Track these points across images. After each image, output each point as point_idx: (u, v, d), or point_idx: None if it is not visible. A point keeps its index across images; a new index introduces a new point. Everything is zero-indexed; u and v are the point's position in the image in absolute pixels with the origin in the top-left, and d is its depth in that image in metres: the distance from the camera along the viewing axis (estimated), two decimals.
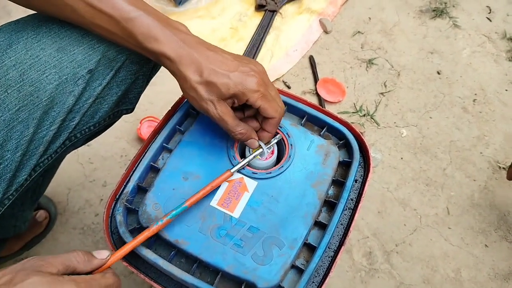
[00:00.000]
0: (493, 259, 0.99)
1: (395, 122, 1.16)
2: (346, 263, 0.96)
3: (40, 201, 0.98)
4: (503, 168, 1.10)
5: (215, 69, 0.51)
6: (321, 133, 0.66)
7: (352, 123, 1.15)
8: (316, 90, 1.19)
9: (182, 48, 0.51)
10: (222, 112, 0.53)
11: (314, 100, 1.18)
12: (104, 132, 1.08)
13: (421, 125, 1.16)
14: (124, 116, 1.09)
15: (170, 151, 0.63)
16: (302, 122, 0.66)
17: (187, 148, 0.62)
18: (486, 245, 1.01)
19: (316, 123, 0.67)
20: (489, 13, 1.39)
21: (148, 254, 0.54)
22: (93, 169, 1.05)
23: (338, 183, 0.62)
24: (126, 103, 0.66)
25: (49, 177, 0.80)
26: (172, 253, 0.56)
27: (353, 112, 1.17)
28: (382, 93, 1.21)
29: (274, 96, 0.55)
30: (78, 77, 0.55)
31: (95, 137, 0.68)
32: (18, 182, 0.54)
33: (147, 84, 0.67)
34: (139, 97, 0.68)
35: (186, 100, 0.67)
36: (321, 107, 0.67)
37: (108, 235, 0.59)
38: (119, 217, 0.57)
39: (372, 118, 1.16)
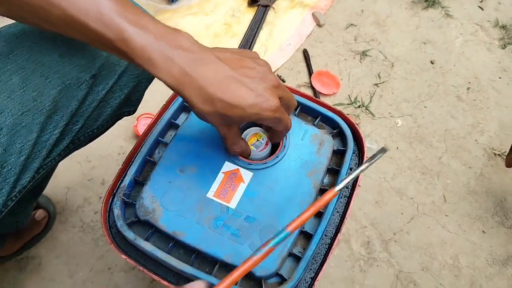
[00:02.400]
0: (490, 245, 1.00)
1: (390, 113, 1.17)
2: (345, 252, 0.97)
3: (38, 200, 0.99)
4: (498, 155, 1.11)
5: (229, 101, 0.45)
6: (315, 122, 0.66)
7: (347, 114, 1.16)
8: (310, 83, 1.20)
9: (183, 75, 0.45)
10: (229, 133, 0.52)
11: (309, 93, 1.19)
12: None
13: (416, 114, 1.17)
14: None
15: (165, 144, 0.64)
16: (296, 113, 0.67)
17: (183, 141, 0.62)
18: (483, 231, 1.02)
19: (310, 113, 0.68)
20: (481, 1, 1.40)
21: (147, 246, 0.55)
22: (91, 168, 1.05)
23: (333, 171, 0.63)
24: (129, 105, 0.66)
25: (50, 175, 0.80)
26: (170, 244, 0.57)
27: (348, 104, 1.18)
28: (376, 84, 1.21)
29: (286, 112, 0.51)
30: (81, 81, 0.55)
31: (97, 137, 0.69)
32: (21, 184, 0.54)
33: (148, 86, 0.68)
34: (141, 99, 0.68)
35: None
36: (314, 97, 0.68)
37: (106, 229, 0.59)
38: (117, 211, 0.57)
39: (367, 109, 1.17)
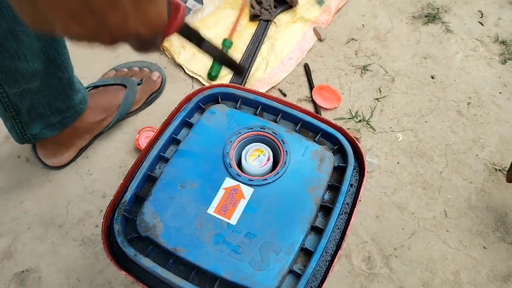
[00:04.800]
0: (491, 261, 0.99)
1: (390, 127, 1.17)
2: (346, 268, 0.97)
3: (150, 67, 1.21)
4: (499, 170, 1.11)
5: None
6: (316, 139, 0.66)
7: (348, 129, 1.16)
8: (311, 97, 1.20)
9: None
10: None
11: (310, 107, 1.19)
12: (103, 144, 1.09)
13: (416, 129, 1.17)
14: (122, 128, 1.11)
15: (166, 160, 0.64)
16: (297, 129, 0.67)
17: (183, 157, 0.63)
18: (484, 247, 1.01)
19: (310, 129, 0.68)
20: (481, 17, 1.41)
21: (147, 262, 0.55)
22: (92, 181, 1.05)
23: (334, 187, 0.63)
24: None
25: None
26: (171, 261, 0.57)
27: (349, 118, 1.18)
28: (377, 99, 1.22)
29: None
30: None
31: None
32: None
33: None
34: None
35: (182, 110, 0.68)
36: (315, 113, 0.68)
37: (106, 245, 0.59)
38: (117, 227, 0.58)
39: (368, 124, 1.17)
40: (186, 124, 0.68)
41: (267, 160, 0.62)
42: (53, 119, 0.92)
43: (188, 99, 0.69)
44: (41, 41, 0.76)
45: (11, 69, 0.74)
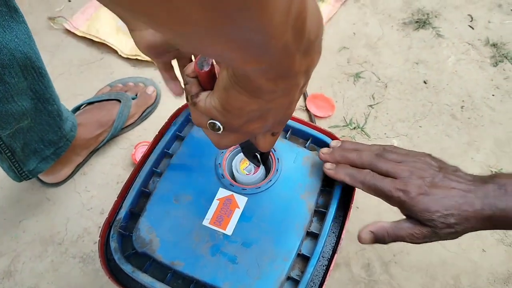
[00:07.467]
0: (491, 264, 0.99)
1: (385, 133, 1.18)
2: (345, 276, 0.97)
3: (145, 82, 1.21)
4: (495, 172, 1.12)
5: None
6: (306, 145, 0.67)
7: (343, 136, 1.17)
8: (306, 106, 1.21)
9: None
10: None
11: (304, 116, 1.20)
12: (100, 160, 1.10)
13: (411, 134, 1.18)
14: (119, 143, 1.12)
15: (160, 174, 0.65)
16: (287, 136, 0.68)
17: (176, 170, 0.63)
18: (483, 249, 1.01)
19: (301, 136, 0.69)
20: (471, 21, 1.42)
21: (145, 278, 0.55)
22: (90, 197, 1.06)
23: (327, 192, 0.64)
24: None
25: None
26: (169, 275, 0.57)
27: (344, 126, 1.19)
28: (371, 106, 1.23)
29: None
30: None
31: None
32: None
33: None
34: None
35: (172, 124, 0.69)
36: (306, 120, 0.69)
37: (104, 263, 0.60)
38: (114, 244, 0.58)
39: (362, 131, 1.18)
40: (178, 137, 0.69)
41: (258, 168, 0.63)
42: (47, 151, 0.94)
43: (178, 113, 0.69)
44: (28, 79, 0.78)
45: (2, 113, 0.75)
